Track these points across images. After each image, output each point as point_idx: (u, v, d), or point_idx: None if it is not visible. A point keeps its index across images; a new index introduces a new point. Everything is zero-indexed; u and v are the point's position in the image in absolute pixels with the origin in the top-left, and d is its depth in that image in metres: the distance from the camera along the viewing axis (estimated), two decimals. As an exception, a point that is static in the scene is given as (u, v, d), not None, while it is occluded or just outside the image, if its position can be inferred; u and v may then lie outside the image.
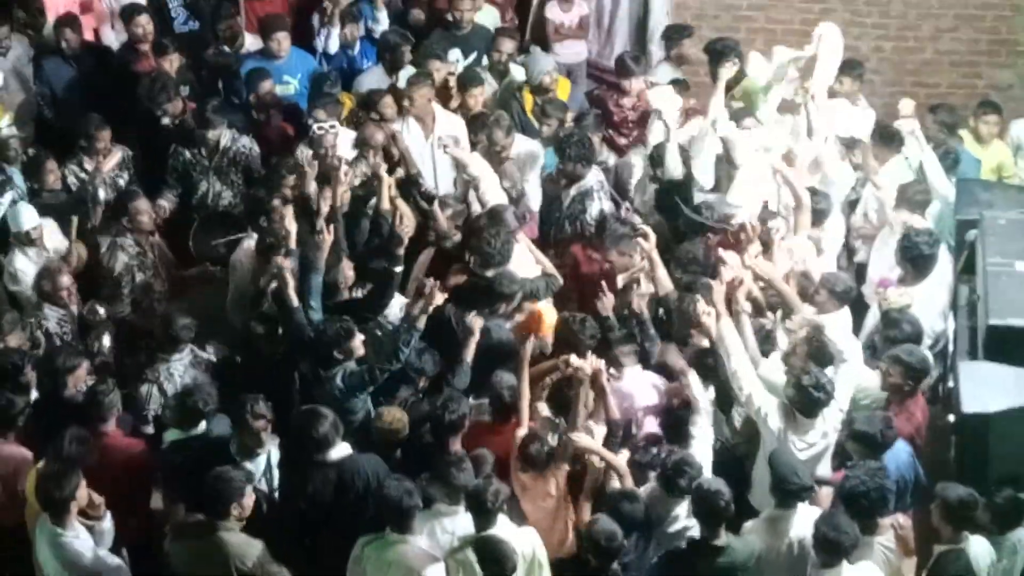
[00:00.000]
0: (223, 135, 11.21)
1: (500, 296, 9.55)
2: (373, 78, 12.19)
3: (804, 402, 8.39)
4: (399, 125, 11.30)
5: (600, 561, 7.69)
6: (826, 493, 8.40)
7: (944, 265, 9.77)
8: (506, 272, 9.66)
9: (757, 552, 7.90)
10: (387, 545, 7.87)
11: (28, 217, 10.30)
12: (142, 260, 10.40)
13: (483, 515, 7.82)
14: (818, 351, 8.80)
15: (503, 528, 7.84)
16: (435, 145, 11.18)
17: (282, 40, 12.26)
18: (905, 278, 9.67)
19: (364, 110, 11.61)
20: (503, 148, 10.95)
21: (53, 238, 10.43)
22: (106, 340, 9.67)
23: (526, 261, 10.00)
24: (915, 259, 9.59)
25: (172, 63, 12.04)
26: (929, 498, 8.18)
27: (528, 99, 11.92)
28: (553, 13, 13.22)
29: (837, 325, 9.08)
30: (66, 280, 9.88)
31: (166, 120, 11.49)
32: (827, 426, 8.52)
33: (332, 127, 10.85)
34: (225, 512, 7.89)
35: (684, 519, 8.29)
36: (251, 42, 12.69)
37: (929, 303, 9.55)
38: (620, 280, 9.88)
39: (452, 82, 11.89)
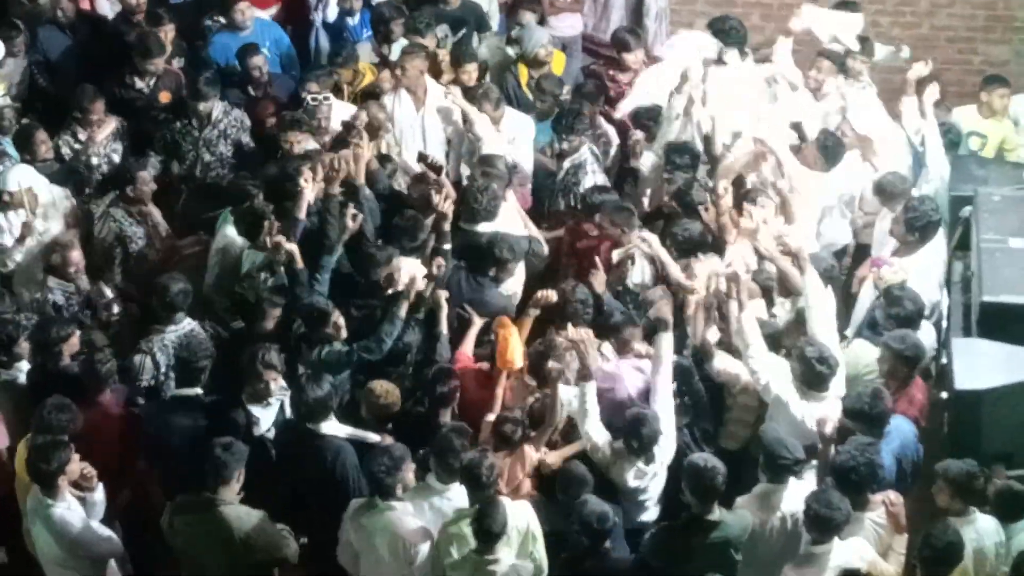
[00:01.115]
0: (215, 107, 11.18)
1: (496, 261, 9.57)
2: (365, 51, 12.16)
3: (810, 375, 8.40)
4: (390, 97, 11.28)
5: (592, 541, 7.71)
6: None
7: (939, 238, 9.76)
8: (508, 238, 9.70)
9: (750, 526, 7.92)
10: (377, 511, 7.91)
11: (12, 179, 10.20)
12: (134, 230, 10.36)
13: (478, 489, 7.84)
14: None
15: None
16: (426, 117, 11.17)
17: (245, 10, 12.21)
18: (907, 248, 9.63)
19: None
20: (492, 121, 10.92)
21: (55, 211, 10.37)
22: (116, 308, 9.68)
23: (513, 222, 10.04)
24: (924, 227, 9.55)
25: (167, 34, 12.00)
26: (924, 477, 8.20)
27: (523, 72, 11.90)
28: (549, -13, 13.18)
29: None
30: (76, 255, 9.81)
31: (140, 83, 11.54)
32: (835, 393, 8.53)
33: (325, 98, 10.84)
34: (225, 482, 7.88)
35: (653, 500, 8.43)
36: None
37: (926, 274, 9.54)
38: (615, 255, 9.89)
39: (442, 56, 11.86)
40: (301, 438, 8.46)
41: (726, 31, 11.35)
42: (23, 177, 10.25)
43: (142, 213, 10.42)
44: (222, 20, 12.50)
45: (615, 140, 11.49)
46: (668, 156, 10.47)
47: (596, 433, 8.39)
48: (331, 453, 8.35)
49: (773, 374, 8.51)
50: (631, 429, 8.22)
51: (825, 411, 8.43)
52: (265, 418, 8.71)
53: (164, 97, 11.64)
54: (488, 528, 7.60)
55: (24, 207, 10.16)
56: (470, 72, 11.63)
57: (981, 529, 7.81)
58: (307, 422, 8.42)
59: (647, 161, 10.88)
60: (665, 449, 8.35)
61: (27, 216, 10.16)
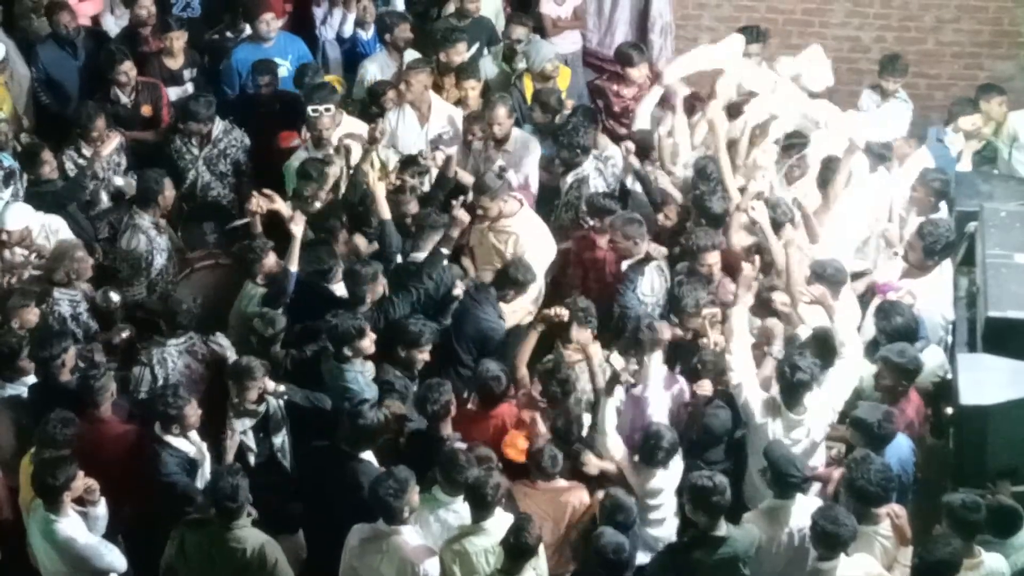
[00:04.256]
0: (216, 126, 11.21)
1: (515, 283, 9.57)
2: (378, 63, 12.18)
3: (783, 384, 8.40)
4: (394, 113, 11.30)
5: (610, 573, 7.63)
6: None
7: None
8: (523, 260, 9.71)
9: (757, 541, 7.90)
10: (380, 536, 7.86)
11: (10, 218, 10.12)
12: (160, 241, 10.35)
13: (482, 508, 7.83)
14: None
15: (500, 519, 7.83)
16: (429, 132, 11.19)
17: (270, 21, 12.24)
18: (917, 271, 9.60)
19: (372, 101, 11.67)
20: (501, 128, 10.91)
21: (54, 239, 10.27)
22: (126, 333, 9.66)
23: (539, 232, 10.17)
24: (943, 250, 9.53)
25: (174, 41, 12.03)
26: (922, 493, 8.17)
27: (529, 87, 11.90)
28: (548, 8, 13.16)
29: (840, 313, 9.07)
30: (81, 255, 9.79)
31: (124, 98, 11.59)
32: (814, 422, 8.50)
33: (327, 109, 10.87)
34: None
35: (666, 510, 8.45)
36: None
37: (940, 293, 9.53)
38: (624, 267, 9.89)
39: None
40: (336, 460, 8.41)
41: (753, 33, 11.68)
42: (20, 216, 10.20)
43: (160, 225, 10.43)
44: (229, 34, 12.54)
45: (620, 159, 11.46)
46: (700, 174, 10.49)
47: (615, 447, 8.42)
48: (367, 479, 8.20)
49: (748, 377, 8.50)
50: (649, 444, 8.28)
51: (798, 437, 8.45)
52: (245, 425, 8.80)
53: (146, 111, 11.71)
54: (524, 543, 7.52)
55: (21, 246, 10.09)
56: (467, 90, 11.62)
57: (987, 568, 7.72)
58: (350, 446, 8.40)
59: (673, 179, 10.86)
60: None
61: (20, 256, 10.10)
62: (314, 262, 9.60)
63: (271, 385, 8.79)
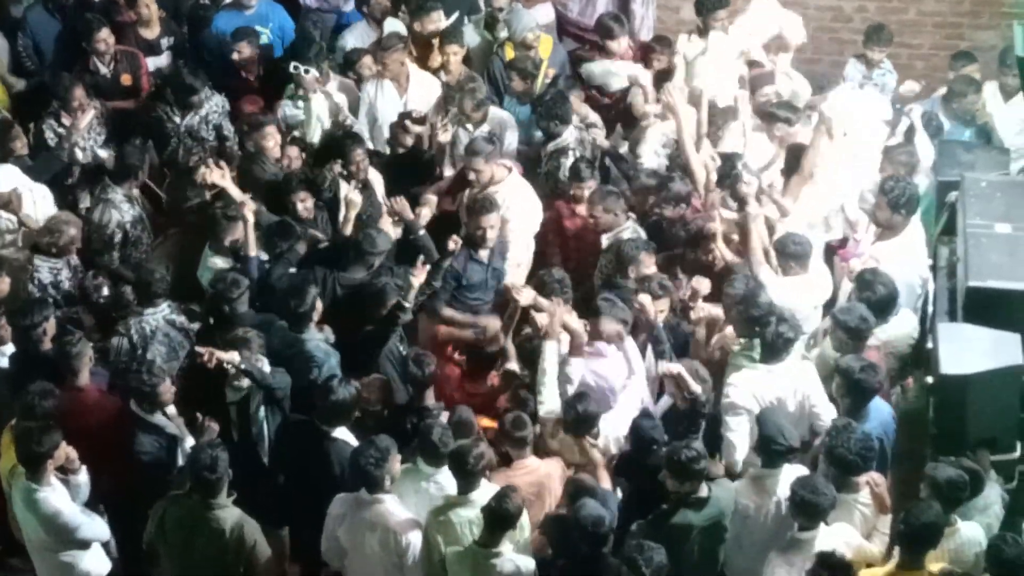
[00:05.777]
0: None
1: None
2: (357, 33, 12.14)
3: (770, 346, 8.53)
4: (372, 84, 11.29)
5: (590, 548, 7.63)
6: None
7: (915, 216, 9.84)
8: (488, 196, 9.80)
9: (735, 496, 7.97)
10: (363, 505, 7.87)
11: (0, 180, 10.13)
12: (133, 213, 10.32)
13: (466, 477, 7.83)
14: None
15: (487, 491, 7.83)
16: (408, 103, 11.20)
17: None
18: (890, 231, 9.66)
19: (347, 67, 11.64)
20: (469, 119, 10.92)
21: (40, 206, 10.29)
22: (105, 290, 9.62)
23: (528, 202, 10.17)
24: (908, 202, 9.59)
25: (144, 8, 11.98)
26: (902, 459, 8.21)
27: (510, 55, 11.85)
28: (520, -17, 13.12)
29: (797, 288, 9.18)
30: (74, 232, 9.80)
31: (103, 69, 11.51)
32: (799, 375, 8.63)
33: (307, 71, 10.92)
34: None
35: None
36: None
37: (911, 251, 9.60)
38: (604, 240, 9.88)
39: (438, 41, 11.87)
40: (310, 437, 8.39)
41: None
42: (8, 178, 10.18)
43: (132, 197, 10.38)
44: (208, 2, 12.49)
45: (601, 127, 11.45)
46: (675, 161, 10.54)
47: (550, 398, 8.46)
48: (338, 459, 8.24)
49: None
50: (569, 405, 8.30)
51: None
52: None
53: (126, 80, 11.65)
54: (504, 510, 7.52)
55: (10, 208, 10.09)
56: (449, 55, 11.59)
57: (963, 537, 7.77)
58: (323, 423, 8.36)
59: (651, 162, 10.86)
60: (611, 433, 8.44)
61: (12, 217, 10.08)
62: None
63: (223, 355, 8.46)
